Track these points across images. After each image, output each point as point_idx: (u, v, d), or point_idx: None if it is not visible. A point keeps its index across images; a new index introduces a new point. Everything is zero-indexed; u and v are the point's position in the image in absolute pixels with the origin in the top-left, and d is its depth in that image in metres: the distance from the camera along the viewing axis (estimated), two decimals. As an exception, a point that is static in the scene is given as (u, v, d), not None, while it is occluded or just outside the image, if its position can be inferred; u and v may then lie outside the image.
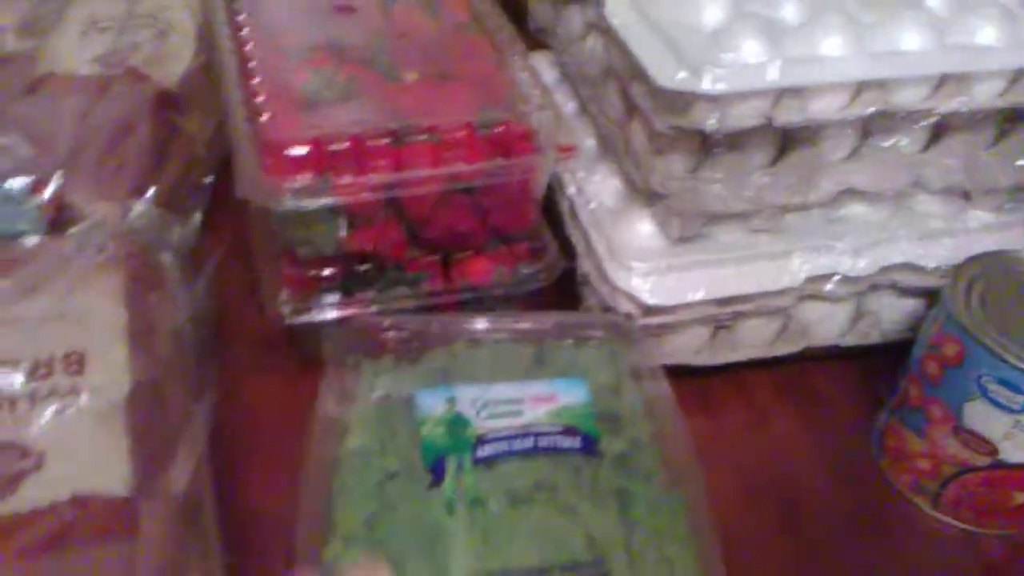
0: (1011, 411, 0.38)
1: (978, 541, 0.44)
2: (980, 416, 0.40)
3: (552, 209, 0.52)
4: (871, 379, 0.51)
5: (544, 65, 0.61)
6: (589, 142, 0.54)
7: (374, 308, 0.47)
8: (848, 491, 0.46)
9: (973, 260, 0.43)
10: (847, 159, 0.46)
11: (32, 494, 0.32)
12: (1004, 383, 0.38)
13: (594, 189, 0.50)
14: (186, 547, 0.33)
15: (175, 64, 0.58)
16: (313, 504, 0.36)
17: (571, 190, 0.51)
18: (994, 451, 0.40)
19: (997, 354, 0.38)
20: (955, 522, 0.44)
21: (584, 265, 0.49)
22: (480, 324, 0.44)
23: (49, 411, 0.35)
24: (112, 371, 0.37)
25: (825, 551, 0.43)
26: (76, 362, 0.37)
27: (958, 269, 0.42)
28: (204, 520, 0.36)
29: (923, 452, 0.43)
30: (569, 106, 0.57)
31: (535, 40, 0.63)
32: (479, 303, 0.49)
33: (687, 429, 0.40)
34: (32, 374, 0.36)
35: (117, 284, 0.41)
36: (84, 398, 0.35)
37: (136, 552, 0.32)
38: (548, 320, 0.45)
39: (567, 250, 0.51)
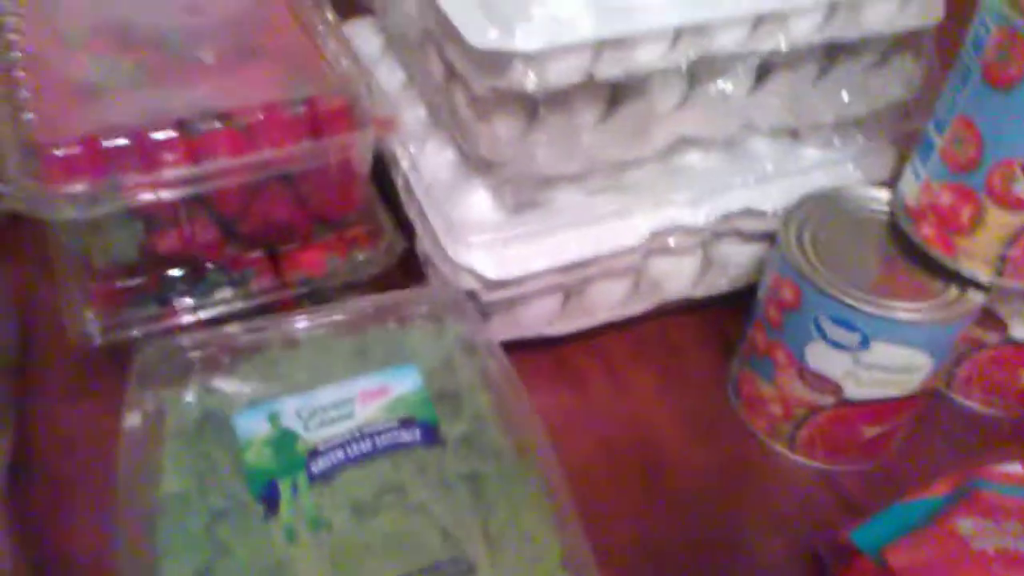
0: (848, 349, 0.38)
1: (834, 478, 0.44)
2: (821, 357, 0.40)
3: (388, 187, 0.50)
4: (725, 328, 0.51)
5: (368, 32, 0.58)
6: (419, 113, 0.51)
7: (201, 314, 0.43)
8: (709, 443, 0.46)
9: (803, 201, 0.43)
10: (677, 108, 0.45)
11: None
12: (839, 322, 0.38)
13: (427, 163, 0.48)
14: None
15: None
16: (133, 562, 0.32)
17: (404, 165, 0.48)
18: (838, 390, 0.40)
19: (830, 294, 0.38)
20: (811, 462, 0.44)
21: (424, 244, 0.47)
22: (294, 323, 0.40)
23: None
24: None
25: (689, 505, 0.43)
26: None
27: (789, 212, 0.42)
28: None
29: (774, 396, 0.43)
30: (397, 76, 0.53)
31: (360, 4, 0.59)
32: (318, 296, 0.46)
33: (527, 395, 0.38)
34: None
35: None
36: None
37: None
38: (366, 305, 0.41)
39: (406, 229, 0.48)
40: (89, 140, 0.35)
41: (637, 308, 0.49)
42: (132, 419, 0.36)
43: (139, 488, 0.34)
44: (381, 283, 0.48)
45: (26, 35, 0.42)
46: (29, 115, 0.36)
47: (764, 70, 0.46)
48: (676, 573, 0.40)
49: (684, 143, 0.46)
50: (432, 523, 0.33)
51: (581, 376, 0.49)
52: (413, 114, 0.50)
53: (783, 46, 0.43)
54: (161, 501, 0.34)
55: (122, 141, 0.35)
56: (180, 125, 0.37)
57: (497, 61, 0.39)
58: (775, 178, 0.48)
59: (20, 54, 0.40)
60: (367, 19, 0.59)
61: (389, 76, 0.54)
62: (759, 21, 0.43)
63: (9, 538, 0.33)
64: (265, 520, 0.33)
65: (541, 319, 0.48)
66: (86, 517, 0.40)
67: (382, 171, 0.50)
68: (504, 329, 0.47)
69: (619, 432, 0.46)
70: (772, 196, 0.47)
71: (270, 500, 0.33)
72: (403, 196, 0.49)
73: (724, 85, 0.45)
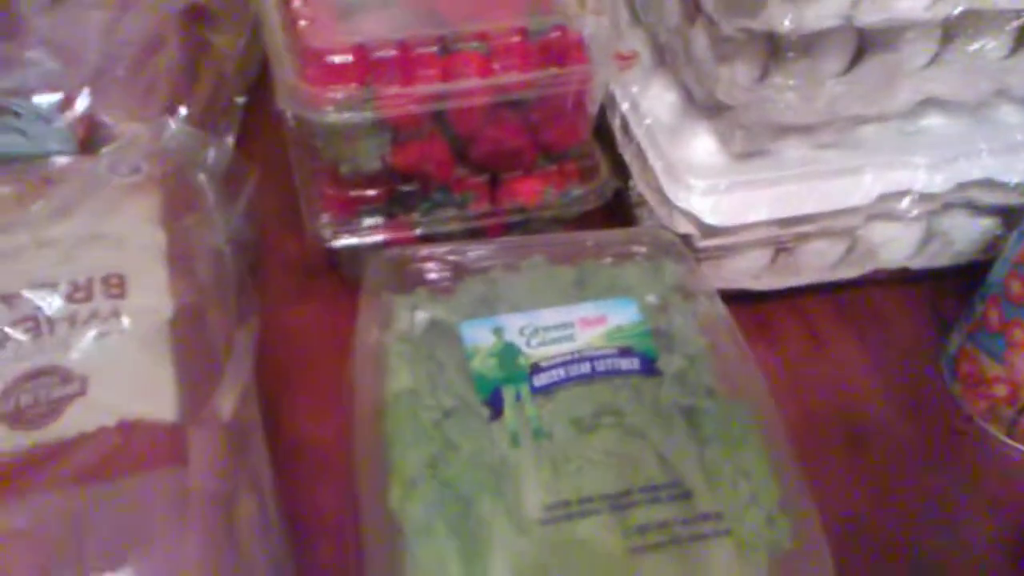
0: (1107, 333, 0.36)
1: (1056, 470, 0.42)
2: (1070, 339, 0.37)
3: (603, 127, 0.50)
4: (939, 303, 0.49)
5: (590, -27, 0.58)
6: (643, 54, 0.50)
7: (419, 231, 0.45)
8: (917, 418, 0.44)
9: (1065, 173, 0.40)
10: (928, 66, 0.43)
11: (77, 420, 0.31)
12: (1102, 303, 0.35)
13: (649, 104, 0.47)
14: (236, 475, 0.32)
15: (204, -25, 0.55)
16: (368, 449, 0.34)
17: (624, 106, 0.48)
18: (1083, 376, 0.38)
19: (1096, 272, 0.35)
20: (1032, 450, 0.42)
21: (639, 185, 0.47)
22: (516, 249, 0.41)
23: (91, 335, 0.33)
24: (153, 294, 0.35)
25: (894, 480, 0.41)
26: (116, 285, 0.35)
27: (1050, 182, 0.39)
28: (254, 448, 0.34)
29: (1001, 377, 0.41)
30: (621, 15, 0.53)
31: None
32: (528, 226, 0.47)
33: (744, 341, 0.38)
34: (71, 297, 0.34)
35: (153, 205, 0.39)
36: (126, 321, 0.34)
37: (186, 479, 0.30)
38: (586, 239, 0.42)
39: (619, 170, 0.48)
40: (359, 50, 0.37)
41: (847, 273, 0.48)
42: (365, 320, 0.38)
43: (372, 382, 0.36)
44: (587, 222, 0.48)
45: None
46: (303, 23, 0.38)
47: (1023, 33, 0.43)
48: (880, 547, 0.39)
49: (929, 103, 0.44)
50: (649, 447, 0.34)
51: (782, 336, 0.48)
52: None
53: (1061, 5, 0.40)
54: (392, 397, 0.36)
55: (389, 53, 0.37)
56: (439, 42, 0.38)
57: (753, 0, 0.38)
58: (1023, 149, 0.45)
59: (288, -33, 0.42)
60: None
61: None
62: (1037, -24, 0.40)
63: (261, 420, 0.36)
64: (489, 423, 0.34)
65: (748, 272, 0.47)
66: (308, 407, 0.43)
67: (598, 111, 0.50)
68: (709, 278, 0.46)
69: (821, 398, 0.45)
70: (1018, 168, 0.44)
71: (495, 405, 0.35)
72: (619, 137, 0.49)
73: (982, 45, 0.42)
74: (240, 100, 0.56)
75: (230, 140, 0.54)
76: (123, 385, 0.32)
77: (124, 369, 0.33)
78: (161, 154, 0.42)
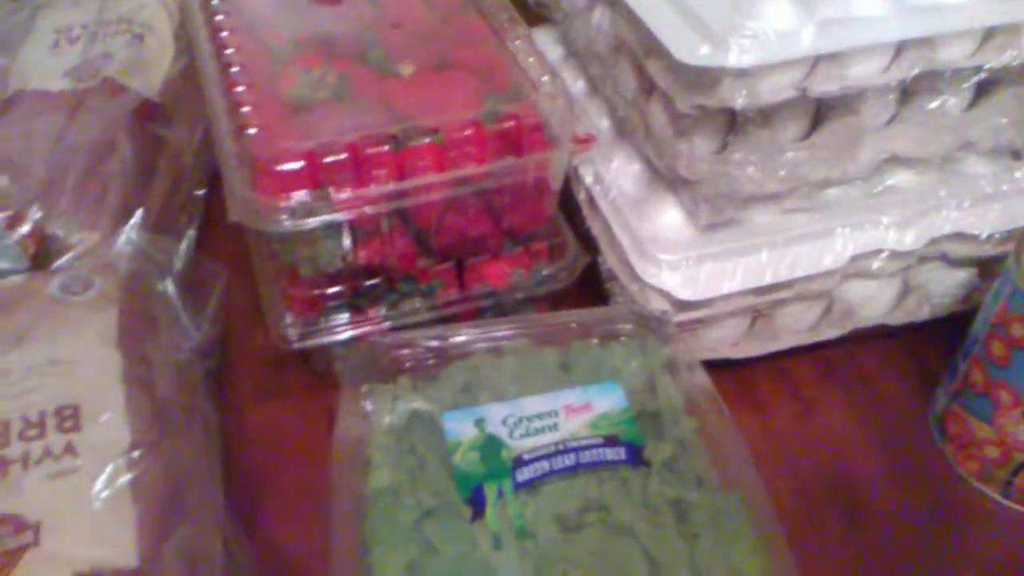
0: (1094, 396, 0.35)
1: (1055, 530, 0.40)
2: (1057, 401, 0.36)
3: (569, 199, 0.49)
4: (923, 357, 0.48)
5: (547, 41, 0.57)
6: (604, 124, 0.50)
7: (387, 324, 0.44)
8: (909, 481, 0.43)
9: (1037, 228, 0.39)
10: (888, 125, 0.42)
11: (32, 572, 0.29)
12: (1086, 366, 0.34)
13: (613, 176, 0.47)
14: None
15: (155, 71, 0.55)
16: (346, 552, 0.33)
17: (588, 179, 0.48)
18: (1073, 437, 0.37)
19: (1076, 335, 0.34)
20: (1029, 511, 0.41)
21: (609, 260, 0.46)
22: (499, 331, 0.40)
23: (44, 476, 0.32)
24: (110, 424, 0.34)
25: (891, 547, 0.40)
26: (70, 417, 0.34)
27: (1022, 240, 0.38)
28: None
29: (991, 439, 0.40)
30: (578, 85, 0.53)
31: (536, 15, 0.59)
32: (499, 309, 0.46)
33: (733, 420, 0.37)
34: (23, 435, 0.33)
35: (109, 324, 0.38)
36: (80, 460, 0.32)
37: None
38: (570, 319, 0.41)
39: (588, 243, 0.47)
40: (309, 155, 0.36)
41: (827, 334, 0.47)
42: (344, 415, 0.37)
43: (350, 479, 0.35)
44: (561, 299, 0.47)
45: (239, 50, 0.43)
46: (251, 131, 0.37)
47: (985, 84, 0.43)
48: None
49: (893, 162, 0.43)
50: (636, 546, 0.33)
51: (767, 401, 0.47)
52: (598, 127, 0.49)
53: (1016, 61, 0.39)
54: (372, 494, 0.34)
55: (339, 156, 0.36)
56: (391, 140, 0.37)
57: (706, 78, 0.37)
58: (992, 201, 0.44)
59: (237, 69, 0.41)
60: (545, 28, 0.59)
61: (570, 86, 0.53)
62: (989, 34, 0.39)
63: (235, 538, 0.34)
64: (471, 523, 0.33)
65: (726, 341, 0.46)
66: (283, 511, 0.41)
67: (563, 183, 0.49)
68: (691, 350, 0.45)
69: (810, 465, 0.44)
70: (988, 220, 0.44)
71: (477, 504, 0.34)
72: (586, 211, 0.48)
73: (942, 101, 0.42)
74: (201, 192, 0.55)
75: (192, 234, 0.53)
76: (78, 531, 0.31)
77: (79, 513, 0.31)
78: (115, 266, 0.41)
